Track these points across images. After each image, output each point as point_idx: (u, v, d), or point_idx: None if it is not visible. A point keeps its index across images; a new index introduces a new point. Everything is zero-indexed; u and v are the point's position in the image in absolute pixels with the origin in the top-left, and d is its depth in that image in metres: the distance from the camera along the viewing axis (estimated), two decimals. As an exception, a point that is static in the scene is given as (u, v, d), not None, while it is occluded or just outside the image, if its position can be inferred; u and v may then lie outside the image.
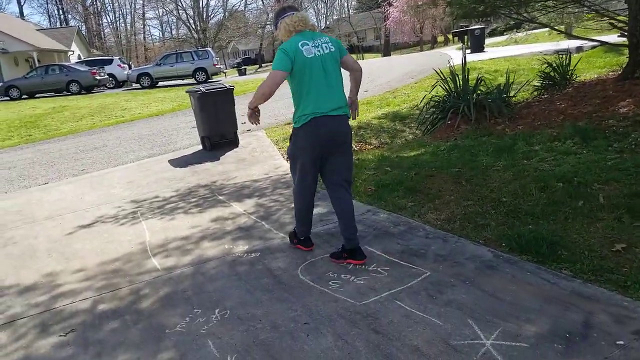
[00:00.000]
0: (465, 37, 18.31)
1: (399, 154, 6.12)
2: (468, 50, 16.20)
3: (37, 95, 23.15)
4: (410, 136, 7.99)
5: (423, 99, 7.93)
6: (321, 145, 3.33)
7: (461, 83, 6.90)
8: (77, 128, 13.83)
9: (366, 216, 4.29)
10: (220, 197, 5.45)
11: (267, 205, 4.95)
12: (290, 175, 4.23)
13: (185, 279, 3.55)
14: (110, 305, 3.32)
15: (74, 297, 3.50)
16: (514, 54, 15.79)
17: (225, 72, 27.81)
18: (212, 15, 50.29)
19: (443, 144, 6.11)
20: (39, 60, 30.13)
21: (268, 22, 48.60)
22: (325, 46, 3.31)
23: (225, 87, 7.66)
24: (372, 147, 7.46)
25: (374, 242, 3.75)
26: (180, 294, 3.34)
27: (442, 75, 7.28)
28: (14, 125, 15.12)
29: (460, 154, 5.49)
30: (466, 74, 6.88)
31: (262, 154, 7.36)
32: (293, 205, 3.77)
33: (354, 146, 7.54)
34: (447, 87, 7.07)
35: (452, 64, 7.79)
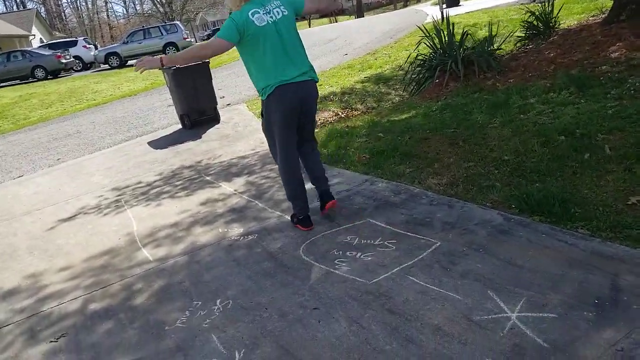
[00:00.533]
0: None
1: (390, 117, 5.89)
2: (443, 5, 15.81)
3: (0, 85, 22.19)
4: (397, 98, 7.75)
5: (408, 58, 7.67)
6: (292, 113, 3.26)
7: (446, 39, 6.62)
8: (48, 115, 13.27)
9: (364, 186, 4.09)
10: (208, 178, 5.19)
11: (258, 183, 4.72)
12: None
13: (180, 269, 3.34)
14: (102, 304, 3.10)
15: (62, 298, 3.27)
16: (490, 5, 15.46)
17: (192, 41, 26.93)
18: (176, -14, 48.49)
19: (433, 104, 5.89)
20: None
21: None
22: (277, 11, 3.17)
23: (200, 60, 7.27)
24: (359, 112, 7.21)
25: (376, 213, 3.56)
26: (177, 285, 3.13)
27: (425, 32, 6.99)
28: (-20, 117, 14.45)
29: (453, 113, 5.28)
30: (451, 29, 6.60)
31: (245, 128, 7.07)
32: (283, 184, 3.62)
33: (339, 113, 7.32)
34: (432, 44, 6.79)
35: (435, 19, 7.49)
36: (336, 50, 14.07)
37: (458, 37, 6.77)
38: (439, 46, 6.73)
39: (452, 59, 6.37)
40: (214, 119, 7.69)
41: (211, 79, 7.50)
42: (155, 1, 44.41)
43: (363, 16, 37.39)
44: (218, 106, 7.80)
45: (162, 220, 4.28)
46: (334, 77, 9.89)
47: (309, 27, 33.46)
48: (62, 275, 3.62)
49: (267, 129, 3.47)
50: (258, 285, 2.94)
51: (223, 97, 9.84)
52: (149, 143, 7.31)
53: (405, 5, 40.37)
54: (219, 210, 4.23)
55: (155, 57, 3.30)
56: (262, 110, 3.41)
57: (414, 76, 6.97)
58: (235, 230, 3.77)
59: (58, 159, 7.74)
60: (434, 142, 4.66)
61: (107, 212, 4.79)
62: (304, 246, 3.29)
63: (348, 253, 3.09)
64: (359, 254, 3.05)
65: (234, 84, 11.55)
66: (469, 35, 6.81)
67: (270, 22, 3.13)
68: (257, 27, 3.09)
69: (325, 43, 16.51)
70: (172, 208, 4.52)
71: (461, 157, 4.18)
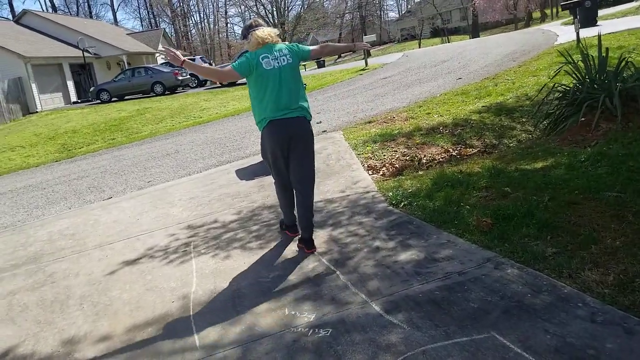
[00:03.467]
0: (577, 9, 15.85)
1: (519, 165, 4.67)
2: (578, 25, 13.88)
3: (125, 98, 23.71)
4: (524, 135, 6.47)
5: (543, 88, 6.35)
6: (281, 144, 3.65)
7: (596, 67, 5.26)
8: (157, 131, 13.56)
9: (485, 271, 2.99)
10: (287, 226, 4.36)
11: (342, 242, 3.80)
12: (372, 198, 4.67)
13: (226, 372, 2.50)
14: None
15: (81, 391, 2.57)
16: (636, 25, 13.29)
17: (304, 65, 26.93)
18: (290, 8, 49.83)
19: (580, 151, 4.58)
20: (129, 63, 31.18)
21: (347, 11, 47.20)
22: (284, 58, 3.64)
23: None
24: (474, 151, 6.04)
25: (506, 325, 2.46)
26: (215, 403, 2.29)
27: (568, 57, 5.65)
28: (100, 129, 15.25)
29: (611, 167, 3.97)
30: (603, 54, 5.23)
31: (337, 162, 6.20)
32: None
33: (450, 149, 6.20)
34: (576, 72, 5.45)
35: (581, 41, 6.10)
36: (448, 74, 12.85)
37: (611, 63, 5.37)
38: (585, 75, 5.38)
39: (606, 93, 5.00)
40: (309, 149, 6.92)
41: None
42: (269, 22, 45.88)
43: (478, 36, 35.34)
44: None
45: (224, 281, 3.51)
46: (444, 104, 8.74)
47: (419, 47, 32.15)
48: (98, 348, 2.96)
49: (264, 157, 3.95)
50: None
51: (320, 122, 9.13)
52: (237, 171, 6.72)
53: (527, 25, 37.54)
54: (290, 278, 3.37)
55: (180, 57, 3.60)
56: (261, 141, 3.87)
57: (550, 111, 5.65)
58: (305, 315, 2.87)
59: (149, 182, 7.48)
60: (588, 211, 3.42)
61: (172, 258, 4.16)
62: (397, 368, 2.29)
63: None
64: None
65: (334, 108, 10.83)
66: (627, 63, 5.37)
67: (276, 67, 3.60)
68: (264, 69, 3.58)
69: (436, 65, 15.32)
70: (239, 264, 3.75)
71: (634, 241, 2.93)
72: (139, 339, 2.98)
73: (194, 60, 27.00)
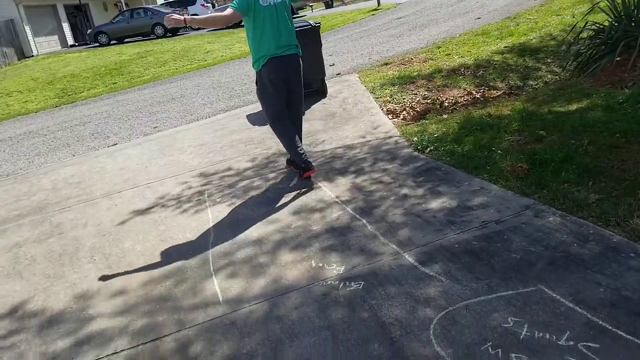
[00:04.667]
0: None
1: (551, 107, 4.39)
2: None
3: (125, 40, 22.98)
4: (549, 76, 6.12)
5: (573, 27, 5.94)
6: (280, 79, 3.89)
7: (635, 2, 4.85)
8: (160, 74, 13.14)
9: (525, 219, 2.79)
10: (306, 173, 4.15)
11: (367, 190, 3.59)
12: (395, 144, 4.45)
13: (254, 328, 2.35)
14: (145, 371, 2.21)
15: (102, 348, 2.44)
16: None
17: (312, 6, 25.87)
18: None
19: (618, 92, 4.29)
20: (127, 4, 30.04)
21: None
22: None
23: (310, 24, 6.17)
24: (499, 93, 5.73)
25: (553, 276, 2.28)
26: (245, 361, 2.15)
27: (603, -9, 5.23)
28: (100, 73, 14.81)
29: (654, 109, 3.69)
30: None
31: (355, 106, 5.91)
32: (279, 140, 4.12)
33: (473, 92, 5.89)
34: (612, 10, 5.04)
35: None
36: (466, 13, 12.24)
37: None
38: (622, 12, 4.98)
39: (645, 30, 4.63)
40: (321, 92, 6.62)
41: (321, 46, 6.39)
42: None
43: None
44: (326, 77, 6.71)
45: (243, 232, 3.34)
46: (464, 45, 8.31)
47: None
48: (113, 303, 2.82)
49: (261, 96, 4.05)
50: (363, 393, 1.85)
51: (333, 64, 8.73)
52: (248, 117, 6.44)
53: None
54: (314, 228, 3.19)
55: (179, 17, 3.70)
56: (256, 80, 4.03)
57: (581, 50, 5.29)
58: (334, 267, 2.70)
59: (155, 127, 7.22)
60: (632, 154, 3.18)
61: (186, 207, 3.97)
62: (436, 323, 2.13)
63: (514, 356, 1.88)
64: (531, 358, 1.83)
65: (347, 50, 10.37)
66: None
67: (271, 3, 3.76)
68: (262, 6, 3.73)
69: (453, 4, 14.61)
70: (258, 213, 3.57)
71: (687, 187, 2.71)
72: (156, 293, 2.83)
73: (195, 1, 25.99)
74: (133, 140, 6.73)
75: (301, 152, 3.92)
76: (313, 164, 3.98)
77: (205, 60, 14.04)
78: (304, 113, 5.95)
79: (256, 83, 4.06)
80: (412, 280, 2.45)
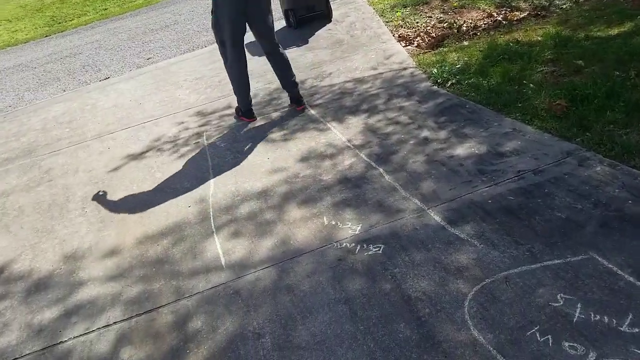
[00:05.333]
0: None
1: (588, 32, 3.88)
2: None
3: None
4: (580, -6, 5.48)
5: None
6: (238, 10, 3.41)
7: None
8: (151, -1, 12.27)
9: (567, 169, 2.44)
10: (313, 112, 3.76)
11: (382, 132, 3.21)
12: (412, 76, 3.99)
13: (260, 298, 2.09)
14: (139, 353, 1.97)
15: (91, 320, 2.20)
16: None
17: None
18: None
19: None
20: None
21: None
22: None
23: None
24: (523, 15, 5.14)
25: (606, 241, 1.97)
26: (251, 341, 1.89)
27: None
28: (90, -2, 13.89)
29: None
30: None
31: (364, 32, 5.37)
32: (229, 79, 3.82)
33: (494, 14, 5.31)
34: None
35: None
36: None
37: None
38: None
39: None
40: (325, 16, 6.04)
41: (325, -37, 5.73)
42: None
43: None
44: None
45: (247, 181, 3.01)
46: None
47: None
48: (106, 265, 2.56)
49: (215, 26, 3.55)
50: (389, 387, 1.60)
51: (339, -16, 7.99)
52: (247, 46, 5.89)
53: None
54: (325, 177, 2.85)
55: None
56: (212, 8, 3.50)
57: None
58: (349, 227, 2.40)
59: (148, 59, 6.71)
60: (692, 90, 2.76)
61: (183, 152, 3.64)
62: (472, 297, 1.85)
63: (567, 345, 1.60)
64: (591, 356, 1.55)
65: (353, -33, 9.49)
66: None
67: None
68: None
69: None
70: (261, 159, 3.23)
71: None
72: (152, 254, 2.56)
73: None
74: (126, 73, 6.27)
75: (248, 100, 3.79)
76: (319, 100, 3.61)
77: (201, -18, 13.09)
78: (307, 41, 5.44)
79: (212, 12, 3.54)
80: (440, 244, 2.14)
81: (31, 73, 7.42)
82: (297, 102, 3.83)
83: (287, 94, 3.96)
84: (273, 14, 3.68)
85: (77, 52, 8.16)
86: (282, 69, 3.79)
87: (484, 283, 1.90)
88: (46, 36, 10.61)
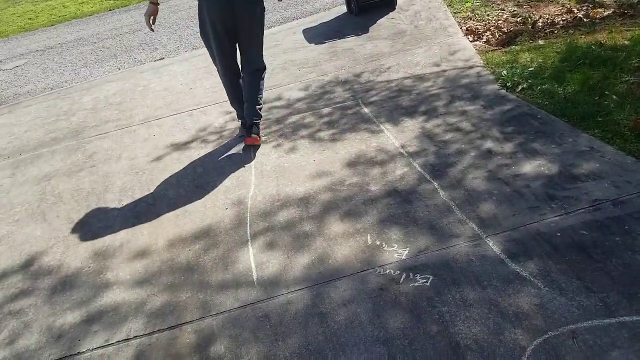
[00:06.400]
0: None
1: (687, 36, 3.40)
2: None
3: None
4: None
5: None
6: (221, 22, 2.99)
7: None
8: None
9: (657, 204, 2.09)
10: (365, 110, 3.51)
11: (439, 139, 2.92)
12: (478, 76, 3.62)
13: (290, 327, 1.90)
14: (159, 371, 1.83)
15: (112, 331, 2.08)
16: None
17: None
18: None
19: None
20: None
21: None
22: None
23: None
24: (608, 12, 4.64)
25: None
26: (276, 377, 1.71)
27: None
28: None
29: None
30: None
31: (429, 23, 5.02)
32: None
33: (575, 10, 4.83)
34: None
35: None
36: None
37: None
38: None
39: None
40: (389, 4, 5.72)
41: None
42: None
43: None
44: (396, -15, 5.76)
45: (289, 184, 2.82)
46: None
47: None
48: (134, 267, 2.44)
49: (202, 34, 3.18)
50: None
51: (404, -31, 7.59)
52: (304, 32, 5.69)
53: None
54: (372, 188, 2.61)
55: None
56: (198, 12, 3.13)
57: None
58: (394, 249, 2.16)
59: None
60: None
61: (228, 145, 3.50)
62: (531, 352, 1.58)
63: None
64: None
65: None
66: None
67: None
68: None
69: None
70: (307, 161, 3.02)
71: None
72: (182, 259, 2.42)
73: None
74: (180, 54, 6.21)
75: (241, 113, 3.36)
76: (374, 97, 3.28)
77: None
78: (367, 30, 5.16)
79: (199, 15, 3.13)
80: (497, 283, 1.87)
81: (90, 48, 7.52)
82: (248, 130, 3.28)
83: (340, 87, 3.71)
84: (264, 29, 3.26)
85: (137, 28, 8.22)
86: (248, 89, 3.30)
87: (547, 336, 1.63)
88: (110, 10, 10.79)
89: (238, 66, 3.32)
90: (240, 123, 3.57)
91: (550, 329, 1.66)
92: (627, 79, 3.03)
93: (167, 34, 7.38)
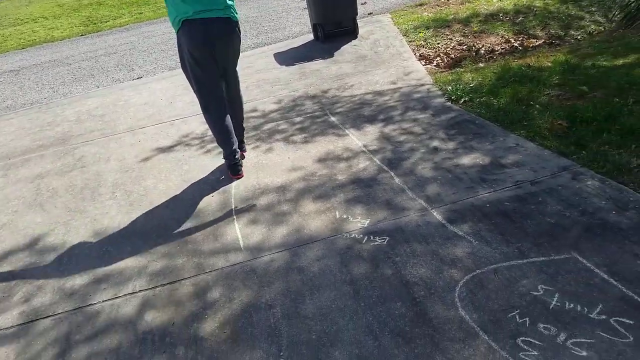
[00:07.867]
0: None
1: (595, 61, 4.11)
2: None
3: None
4: (593, 26, 5.74)
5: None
6: (203, 52, 3.00)
7: None
8: (184, 6, 12.74)
9: (561, 181, 2.65)
10: (333, 119, 4.02)
11: (396, 140, 3.46)
12: (428, 92, 4.05)
13: (274, 277, 2.33)
14: (161, 316, 2.22)
15: (118, 288, 2.45)
16: None
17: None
18: None
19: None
20: None
21: None
22: None
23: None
24: (539, 42, 5.40)
25: (588, 244, 2.18)
26: (263, 311, 2.13)
27: None
28: (126, 2, 14.45)
29: None
30: None
31: (387, 50, 5.65)
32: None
33: (512, 40, 5.57)
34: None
35: None
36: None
37: None
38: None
39: None
40: (351, 33, 6.34)
41: (353, -18, 6.05)
42: None
43: None
44: (358, 16, 6.40)
45: (267, 176, 3.27)
46: (506, -13, 7.79)
47: None
48: (132, 242, 2.82)
49: (183, 67, 3.18)
50: (382, 354, 1.82)
51: (365, 2, 8.34)
52: (275, 55, 6.24)
53: None
54: (339, 177, 3.10)
55: None
56: (178, 47, 3.14)
57: (631, 1, 4.89)
58: (359, 220, 2.63)
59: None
60: (685, 118, 2.97)
61: (209, 148, 3.91)
62: (462, 286, 2.07)
63: (541, 327, 1.81)
64: (562, 336, 1.77)
65: (380, -13, 9.84)
66: None
67: None
68: None
69: None
70: (282, 158, 3.49)
71: None
72: (176, 235, 2.82)
73: None
74: (158, 74, 6.62)
75: (234, 149, 3.24)
76: (339, 109, 3.76)
77: (232, -7, 13.56)
78: (332, 55, 5.74)
79: (178, 47, 3.13)
80: (439, 239, 2.37)
81: (66, 69, 7.83)
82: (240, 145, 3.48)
83: (310, 100, 4.22)
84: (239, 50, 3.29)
85: (112, 51, 8.57)
86: (233, 114, 3.41)
87: (475, 273, 2.12)
88: (82, 35, 11.10)
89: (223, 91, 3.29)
90: (225, 163, 3.39)
91: (478, 268, 2.15)
92: (548, 92, 3.66)
93: (143, 57, 7.78)
